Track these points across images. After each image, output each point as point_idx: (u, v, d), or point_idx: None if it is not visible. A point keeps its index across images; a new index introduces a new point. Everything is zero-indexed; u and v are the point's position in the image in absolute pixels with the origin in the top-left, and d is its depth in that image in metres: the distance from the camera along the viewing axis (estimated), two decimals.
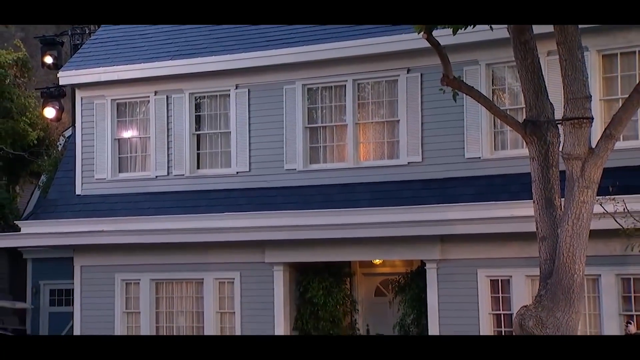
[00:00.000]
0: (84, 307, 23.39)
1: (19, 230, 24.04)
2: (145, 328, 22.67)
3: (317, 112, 21.67)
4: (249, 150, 22.06)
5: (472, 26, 13.75)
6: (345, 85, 21.20)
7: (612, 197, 15.99)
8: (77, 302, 23.63)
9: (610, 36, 18.39)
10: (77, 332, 23.50)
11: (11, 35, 33.55)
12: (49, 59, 30.52)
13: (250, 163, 22.04)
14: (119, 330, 22.90)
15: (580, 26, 13.73)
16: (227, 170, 22.36)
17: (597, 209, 14.57)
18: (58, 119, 29.37)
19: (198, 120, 22.84)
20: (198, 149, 22.82)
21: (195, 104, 22.80)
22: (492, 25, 14.05)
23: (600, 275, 18.12)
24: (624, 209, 16.33)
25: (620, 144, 16.47)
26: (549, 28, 13.68)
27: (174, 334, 22.61)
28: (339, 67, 21.09)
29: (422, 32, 14.03)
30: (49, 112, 29.09)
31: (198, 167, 22.76)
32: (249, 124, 22.06)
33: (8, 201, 27.65)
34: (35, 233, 23.90)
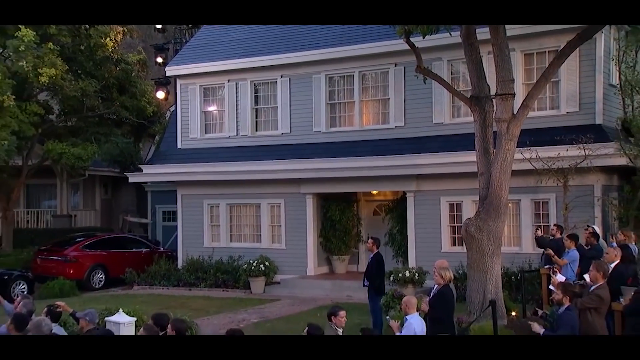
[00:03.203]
0: (184, 222, 23.62)
1: (142, 171, 24.29)
2: (223, 235, 22.90)
3: (335, 93, 21.48)
4: (290, 118, 21.97)
5: (436, 32, 13.67)
6: (353, 75, 21.02)
7: (529, 148, 16.00)
8: (179, 219, 23.86)
9: (529, 41, 18.15)
10: (180, 239, 23.69)
11: (135, 44, 33.46)
12: (159, 59, 30.53)
13: (290, 127, 21.96)
14: (206, 236, 23.10)
15: (508, 33, 13.63)
16: (275, 132, 22.29)
17: (518, 156, 14.56)
18: (166, 98, 29.41)
19: (256, 99, 22.72)
20: (256, 118, 22.73)
21: (255, 88, 22.69)
22: (451, 33, 13.95)
23: (520, 199, 18.13)
24: (536, 156, 16.35)
25: (534, 113, 16.39)
26: (487, 35, 13.57)
27: (242, 240, 22.69)
28: (349, 62, 20.90)
29: (403, 37, 13.96)
30: (160, 94, 29.14)
31: (256, 130, 22.69)
32: (290, 101, 21.96)
33: (135, 152, 27.83)
34: (152, 173, 24.25)
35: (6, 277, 20.03)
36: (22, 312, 9.48)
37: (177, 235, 24.23)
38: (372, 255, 14.83)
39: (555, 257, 13.05)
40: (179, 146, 23.95)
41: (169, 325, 8.83)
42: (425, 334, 9.25)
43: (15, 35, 22.51)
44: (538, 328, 9.14)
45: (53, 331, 8.76)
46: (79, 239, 24.01)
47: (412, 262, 19.33)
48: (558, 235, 14.23)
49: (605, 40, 17.98)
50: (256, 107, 22.70)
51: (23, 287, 20.05)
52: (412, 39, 13.95)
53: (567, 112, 18.08)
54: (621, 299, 10.14)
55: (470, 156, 14.65)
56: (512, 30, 15.03)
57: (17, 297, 11.81)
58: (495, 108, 13.52)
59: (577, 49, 14.47)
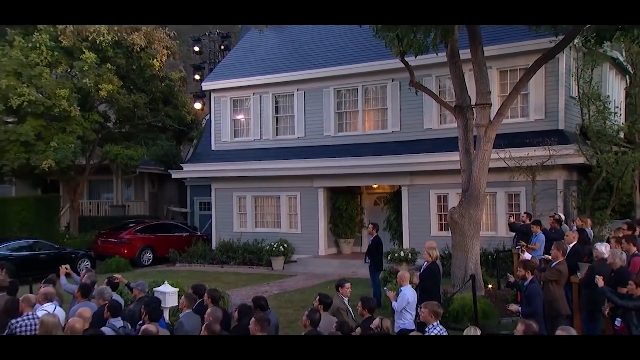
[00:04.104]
0: (217, 211, 23.61)
1: (183, 169, 24.31)
2: (249, 222, 22.85)
3: (342, 104, 21.39)
4: (305, 124, 21.92)
5: (426, 53, 13.63)
6: (357, 88, 20.96)
7: (503, 149, 15.94)
8: (213, 208, 23.84)
9: (504, 60, 18.10)
10: (213, 225, 23.64)
11: (177, 64, 33.53)
12: (196, 76, 30.73)
13: (305, 131, 21.91)
14: (235, 222, 23.02)
15: (485, 53, 13.62)
16: (292, 136, 22.24)
17: (494, 155, 14.55)
18: (202, 109, 29.60)
19: (276, 109, 22.66)
20: (276, 124, 22.66)
21: (275, 100, 22.65)
22: (438, 53, 13.91)
23: (496, 192, 18.01)
24: (509, 156, 16.31)
25: (507, 120, 16.28)
26: (468, 55, 13.57)
27: (265, 226, 22.56)
28: (354, 78, 20.85)
29: (399, 56, 13.97)
30: (197, 105, 29.36)
31: (277, 134, 22.62)
32: (305, 110, 21.90)
33: (176, 153, 27.76)
34: (191, 170, 24.22)
35: (73, 255, 20.33)
36: (87, 283, 9.68)
37: (211, 221, 24.25)
38: (372, 238, 14.89)
39: (529, 245, 13.02)
40: (212, 148, 23.96)
41: (205, 294, 8.94)
42: (416, 303, 9.30)
43: (80, 57, 22.76)
44: (515, 307, 9.24)
45: (113, 298, 8.92)
46: (132, 225, 24.20)
47: (406, 244, 19.34)
48: (527, 222, 14.22)
49: (567, 59, 17.93)
50: (276, 115, 22.67)
51: (87, 263, 20.31)
52: (406, 58, 13.92)
53: (535, 120, 18.02)
54: (578, 273, 10.17)
55: (455, 156, 14.62)
56: (489, 51, 15.03)
57: (83, 271, 12.00)
58: (475, 116, 13.50)
59: (543, 66, 14.46)
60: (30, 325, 7.79)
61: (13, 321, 7.81)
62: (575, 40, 14.17)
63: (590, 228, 13.91)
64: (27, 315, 8.03)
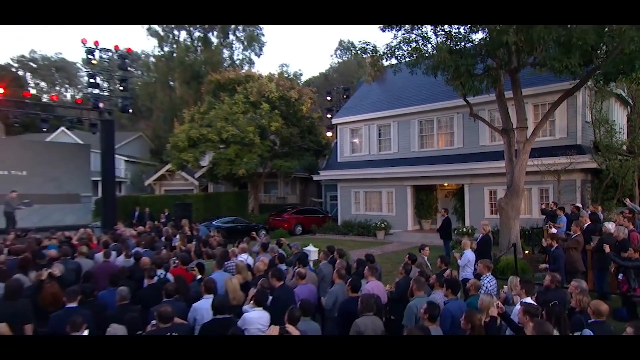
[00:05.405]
0: (341, 201, 23.81)
1: (320, 174, 24.73)
2: (362, 208, 22.87)
3: (423, 129, 21.03)
4: (398, 144, 21.76)
5: (481, 94, 13.21)
6: (433, 119, 20.55)
7: (537, 158, 15.07)
8: (339, 199, 23.97)
9: (536, 97, 16.95)
10: (339, 210, 23.62)
11: (316, 107, 34.40)
12: (328, 115, 31.24)
13: (398, 148, 21.75)
14: (353, 208, 23.05)
15: (523, 93, 13.02)
16: (390, 151, 22.07)
17: (530, 163, 13.82)
18: (332, 136, 30.09)
19: (379, 134, 22.69)
20: (379, 144, 22.60)
21: (379, 128, 22.68)
22: (489, 94, 13.42)
23: (531, 188, 16.94)
24: (541, 163, 15.36)
25: (539, 138, 15.34)
26: (511, 94, 13.02)
27: (372, 211, 22.34)
28: (430, 113, 20.44)
29: (462, 96, 13.69)
30: (329, 134, 29.84)
31: (379, 151, 22.58)
32: (398, 135, 21.77)
33: (316, 164, 28.57)
34: (325, 175, 24.51)
35: (256, 227, 21.36)
36: (265, 243, 10.50)
37: (337, 208, 24.57)
38: (444, 219, 14.70)
39: (555, 225, 12.29)
40: (338, 160, 24.27)
41: (335, 252, 9.27)
42: (474, 261, 9.13)
43: (260, 107, 24.39)
44: (544, 266, 8.85)
45: (279, 252, 9.63)
46: (289, 209, 25.10)
47: (467, 223, 18.72)
48: (554, 208, 13.36)
49: (583, 95, 16.47)
50: (379, 138, 22.65)
51: (264, 232, 21.23)
52: (467, 98, 13.63)
53: (559, 137, 16.74)
54: (591, 243, 9.54)
55: (502, 164, 14.12)
56: (526, 91, 14.32)
57: (262, 236, 12.98)
58: (516, 135, 12.95)
59: (565, 100, 13.54)
60: (234, 266, 8.62)
61: (226, 263, 8.66)
62: (589, 82, 13.12)
63: (600, 212, 12.81)
64: (233, 260, 8.92)
